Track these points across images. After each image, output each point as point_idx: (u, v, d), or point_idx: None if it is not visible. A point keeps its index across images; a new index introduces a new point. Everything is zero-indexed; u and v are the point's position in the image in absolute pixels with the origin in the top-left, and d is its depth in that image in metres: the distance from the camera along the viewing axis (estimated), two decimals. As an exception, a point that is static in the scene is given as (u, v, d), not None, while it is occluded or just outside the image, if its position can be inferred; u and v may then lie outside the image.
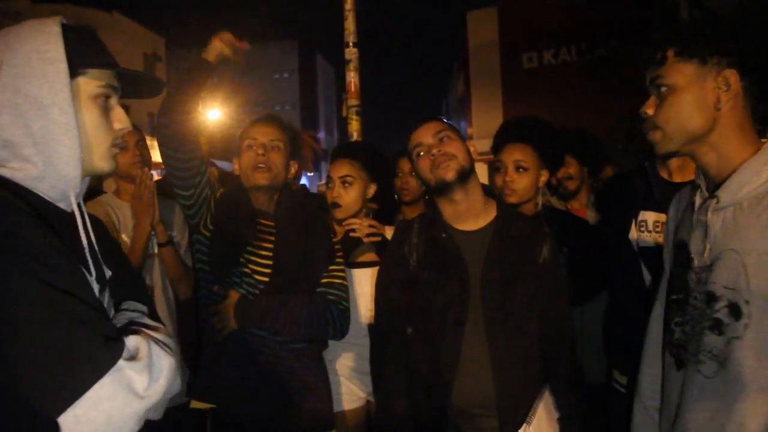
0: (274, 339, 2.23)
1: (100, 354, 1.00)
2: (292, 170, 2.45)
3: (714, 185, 1.47)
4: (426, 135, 2.06)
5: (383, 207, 3.08)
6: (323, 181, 3.15)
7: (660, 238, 2.25)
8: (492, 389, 1.92)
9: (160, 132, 2.13)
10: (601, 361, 2.69)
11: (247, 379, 2.20)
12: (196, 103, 2.16)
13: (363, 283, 2.60)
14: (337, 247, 2.49)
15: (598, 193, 3.37)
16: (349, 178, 2.68)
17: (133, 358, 1.05)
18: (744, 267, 1.35)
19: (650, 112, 1.50)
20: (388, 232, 2.60)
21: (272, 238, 2.32)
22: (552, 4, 16.54)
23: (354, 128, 6.48)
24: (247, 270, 2.25)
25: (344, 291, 2.39)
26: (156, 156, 2.09)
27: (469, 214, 2.06)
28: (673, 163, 2.29)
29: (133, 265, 1.94)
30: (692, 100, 1.43)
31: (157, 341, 1.13)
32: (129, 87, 1.32)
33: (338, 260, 2.46)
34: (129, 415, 1.02)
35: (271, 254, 2.29)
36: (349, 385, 2.62)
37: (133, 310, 1.26)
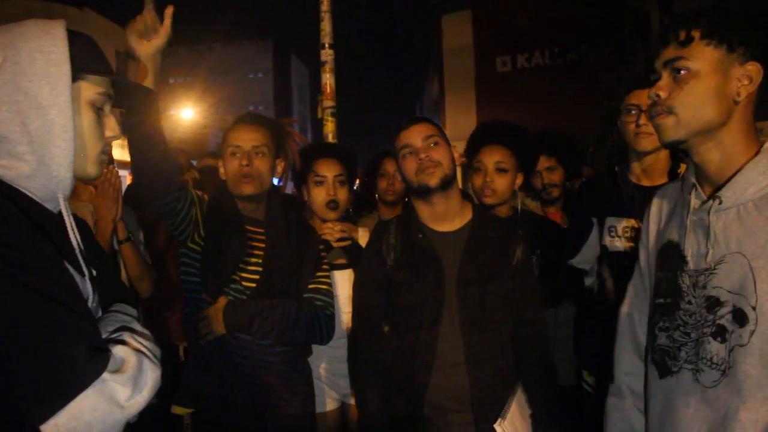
0: (259, 344, 2.20)
1: (85, 366, 1.00)
2: (279, 169, 2.39)
3: (711, 185, 1.40)
4: (416, 137, 2.07)
5: (354, 205, 3.05)
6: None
7: (629, 244, 2.28)
8: (467, 385, 1.96)
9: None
10: (572, 364, 2.73)
11: (230, 384, 2.17)
12: (160, 133, 1.95)
13: (339, 285, 2.58)
14: (323, 254, 2.46)
15: (569, 197, 3.39)
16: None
17: (118, 369, 1.04)
18: (752, 271, 1.28)
19: (663, 95, 1.37)
20: (362, 238, 2.60)
21: (261, 245, 2.28)
22: (525, 9, 16.69)
23: (329, 129, 6.46)
24: (235, 277, 2.21)
25: (330, 297, 2.37)
26: (126, 155, 1.99)
27: (446, 216, 2.09)
28: (644, 166, 2.33)
29: (114, 265, 1.91)
30: (714, 89, 1.32)
31: (146, 352, 1.12)
32: (117, 96, 1.32)
33: (324, 266, 2.43)
34: (110, 425, 1.02)
35: (260, 261, 2.26)
36: (325, 387, 2.60)
37: (124, 314, 1.25)
